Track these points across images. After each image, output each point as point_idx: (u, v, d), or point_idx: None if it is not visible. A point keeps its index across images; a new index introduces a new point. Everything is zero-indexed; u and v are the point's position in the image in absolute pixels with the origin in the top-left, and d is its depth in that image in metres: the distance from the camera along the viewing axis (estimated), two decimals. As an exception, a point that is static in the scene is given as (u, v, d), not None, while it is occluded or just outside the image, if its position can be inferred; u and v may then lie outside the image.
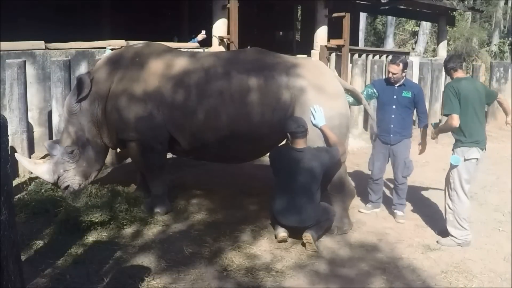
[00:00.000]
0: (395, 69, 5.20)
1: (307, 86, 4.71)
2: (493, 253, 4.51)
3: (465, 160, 4.54)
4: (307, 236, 4.33)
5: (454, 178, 4.59)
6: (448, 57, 4.93)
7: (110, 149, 5.54)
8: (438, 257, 4.36)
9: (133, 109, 4.86)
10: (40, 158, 5.75)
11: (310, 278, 3.90)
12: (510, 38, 24.99)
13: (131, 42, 7.50)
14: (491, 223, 5.28)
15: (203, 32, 9.49)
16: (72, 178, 5.12)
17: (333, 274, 4.00)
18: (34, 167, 5.19)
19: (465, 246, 4.58)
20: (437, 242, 4.67)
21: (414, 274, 4.04)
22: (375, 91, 5.40)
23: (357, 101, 5.21)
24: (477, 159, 4.55)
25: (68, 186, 5.12)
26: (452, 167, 4.60)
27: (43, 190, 5.19)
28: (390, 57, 12.44)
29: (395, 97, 5.26)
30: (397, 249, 4.50)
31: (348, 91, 5.12)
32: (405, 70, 5.27)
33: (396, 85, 5.27)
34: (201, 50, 8.48)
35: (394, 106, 5.25)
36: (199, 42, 9.40)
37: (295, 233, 4.49)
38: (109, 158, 6.52)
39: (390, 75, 5.23)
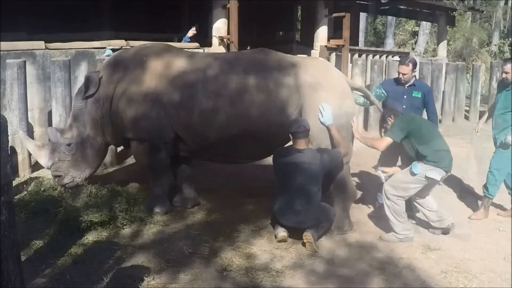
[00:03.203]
0: (405, 69, 5.18)
1: (315, 85, 4.71)
2: (493, 253, 4.51)
3: (425, 177, 4.53)
4: (307, 236, 4.34)
5: (398, 185, 4.59)
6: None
7: (110, 149, 5.55)
8: (438, 257, 4.36)
9: (139, 108, 4.86)
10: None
11: (310, 278, 3.90)
12: (510, 38, 25.00)
13: (131, 42, 7.52)
14: (491, 223, 5.28)
15: (194, 28, 9.45)
16: (65, 170, 5.18)
17: (332, 274, 4.00)
18: (33, 148, 5.32)
19: (407, 242, 4.58)
20: (379, 237, 4.68)
21: (414, 274, 4.04)
22: (383, 91, 5.39)
23: (367, 99, 5.19)
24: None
25: (60, 176, 5.17)
26: (410, 173, 4.58)
27: (43, 190, 5.20)
28: (390, 57, 12.47)
29: (405, 97, 5.25)
30: (396, 249, 4.49)
31: (356, 90, 5.11)
32: (414, 70, 5.26)
33: (406, 85, 5.26)
34: (201, 50, 8.49)
35: (404, 107, 5.23)
36: (190, 37, 9.36)
37: (295, 233, 4.49)
38: (109, 158, 6.52)
39: (401, 76, 5.23)
